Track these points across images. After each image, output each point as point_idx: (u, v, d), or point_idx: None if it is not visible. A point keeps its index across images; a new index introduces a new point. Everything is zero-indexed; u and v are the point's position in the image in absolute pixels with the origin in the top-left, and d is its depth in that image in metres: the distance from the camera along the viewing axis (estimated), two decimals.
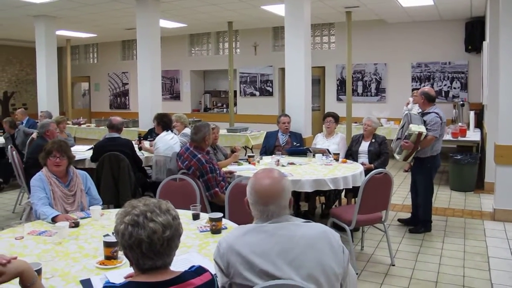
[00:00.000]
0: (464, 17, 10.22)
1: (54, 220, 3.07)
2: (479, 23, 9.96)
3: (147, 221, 1.59)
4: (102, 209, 3.49)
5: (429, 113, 5.17)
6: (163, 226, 1.61)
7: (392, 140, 8.81)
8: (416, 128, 4.94)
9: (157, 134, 6.21)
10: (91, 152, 5.89)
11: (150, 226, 1.59)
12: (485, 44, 8.26)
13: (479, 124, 9.25)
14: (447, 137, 7.62)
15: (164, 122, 6.13)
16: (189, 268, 1.71)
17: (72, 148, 6.30)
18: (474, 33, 10.07)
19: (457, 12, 9.68)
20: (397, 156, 5.25)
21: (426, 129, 5.02)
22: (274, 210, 1.93)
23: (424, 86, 10.80)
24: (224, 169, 4.90)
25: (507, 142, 5.72)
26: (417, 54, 10.89)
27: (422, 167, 5.30)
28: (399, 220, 5.69)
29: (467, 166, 7.33)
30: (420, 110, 5.46)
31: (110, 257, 2.38)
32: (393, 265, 4.39)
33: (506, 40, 5.67)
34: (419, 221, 5.40)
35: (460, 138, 7.88)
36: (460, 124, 8.48)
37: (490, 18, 7.24)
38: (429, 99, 5.28)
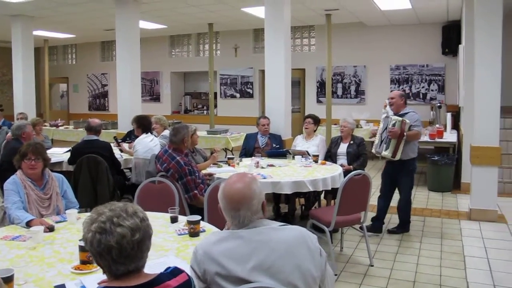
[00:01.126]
0: (441, 21, 10.40)
1: (28, 224, 3.01)
2: (455, 27, 10.14)
3: (115, 227, 1.56)
4: (80, 212, 3.44)
5: (407, 113, 5.21)
6: (132, 229, 1.58)
7: (372, 142, 8.87)
8: (398, 118, 5.05)
9: (136, 136, 6.17)
10: (68, 154, 5.82)
11: (118, 231, 1.55)
12: (461, 47, 8.40)
13: (455, 125, 9.40)
14: (425, 138, 7.74)
15: (143, 125, 6.09)
16: (165, 270, 1.69)
17: (49, 151, 6.23)
18: (450, 36, 10.25)
19: (434, 16, 9.84)
20: (385, 153, 5.14)
21: (410, 126, 5.10)
22: (245, 215, 1.90)
23: (402, 88, 10.97)
24: (203, 171, 4.88)
25: (482, 143, 5.82)
26: (396, 56, 11.03)
27: (405, 169, 5.27)
28: (389, 231, 5.45)
29: (444, 167, 7.44)
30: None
31: (86, 262, 2.35)
32: (372, 266, 4.43)
33: (480, 44, 5.78)
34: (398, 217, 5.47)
35: (437, 140, 7.99)
36: (437, 125, 8.61)
37: (466, 22, 7.37)
38: (405, 101, 5.37)
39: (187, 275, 1.71)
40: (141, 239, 1.60)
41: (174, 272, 1.68)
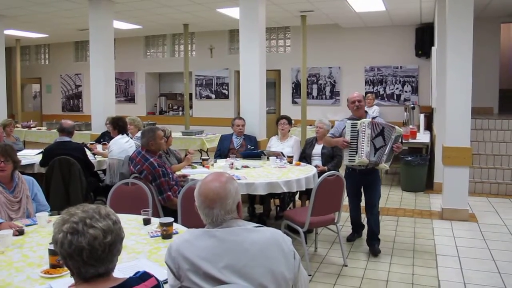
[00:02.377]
0: (415, 23, 10.56)
1: None
2: (428, 29, 10.31)
3: (87, 228, 1.55)
4: (51, 215, 3.38)
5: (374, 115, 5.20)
6: (104, 231, 1.56)
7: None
8: (399, 129, 4.67)
9: (111, 137, 6.10)
10: (40, 156, 5.72)
11: (90, 233, 1.54)
12: (433, 49, 8.55)
13: (429, 126, 9.55)
14: None
15: (119, 126, 6.02)
16: (134, 274, 1.68)
17: (21, 152, 6.15)
18: (424, 38, 10.42)
19: (408, 18, 9.99)
20: (385, 166, 4.68)
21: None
22: (219, 214, 1.91)
23: (376, 89, 11.10)
24: (177, 173, 4.85)
25: (454, 144, 5.93)
26: (370, 58, 11.16)
27: (378, 177, 4.92)
28: (348, 239, 5.19)
29: (417, 167, 7.56)
30: (377, 114, 5.35)
31: (56, 266, 2.31)
32: (346, 266, 4.46)
33: (452, 46, 5.89)
34: (373, 234, 4.88)
35: (410, 140, 8.10)
36: (410, 126, 8.74)
37: (438, 24, 7.50)
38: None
39: (156, 279, 1.69)
40: (113, 242, 1.59)
41: (143, 277, 1.67)
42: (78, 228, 1.54)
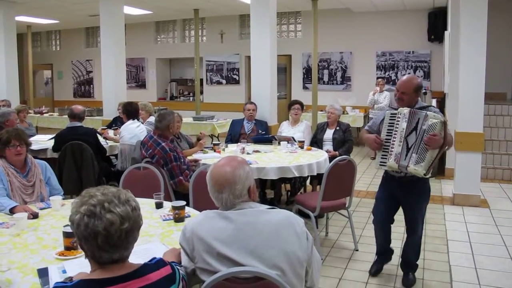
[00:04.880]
0: (427, 7, 10.41)
1: (12, 211, 3.00)
2: (441, 13, 10.17)
3: (105, 212, 1.51)
4: (64, 199, 3.43)
5: (428, 107, 3.51)
6: (121, 217, 1.52)
7: (358, 128, 8.75)
8: (436, 115, 3.30)
9: (122, 123, 6.12)
10: (52, 141, 5.76)
11: (107, 217, 1.50)
12: (446, 33, 8.43)
13: (441, 111, 9.43)
14: None
15: (129, 111, 6.03)
16: (150, 261, 1.66)
17: (34, 138, 6.20)
18: (436, 23, 10.29)
19: (420, 2, 9.85)
20: (416, 168, 3.30)
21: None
22: (228, 198, 1.92)
23: (388, 74, 10.99)
24: (189, 158, 4.87)
25: (466, 129, 5.88)
26: (382, 43, 11.05)
27: (422, 189, 3.64)
28: (371, 273, 3.97)
29: None
30: (388, 100, 3.79)
31: (70, 248, 2.35)
32: (357, 250, 4.48)
33: (466, 30, 5.81)
34: (408, 263, 3.82)
35: None
36: None
37: (452, 9, 7.40)
38: (417, 90, 3.52)
39: (172, 268, 1.68)
40: (130, 229, 1.55)
41: (158, 264, 1.65)
42: (96, 211, 1.51)
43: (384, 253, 4.00)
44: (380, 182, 3.84)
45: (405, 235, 3.85)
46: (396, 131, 3.43)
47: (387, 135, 3.49)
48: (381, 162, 3.53)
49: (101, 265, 1.55)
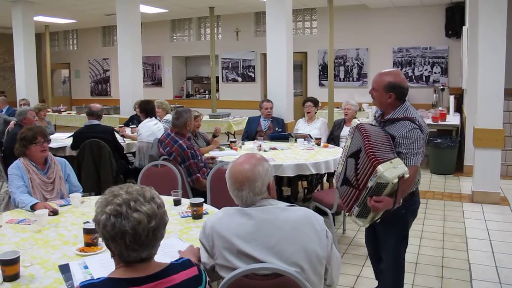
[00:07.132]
0: (445, 3, 10.28)
1: (33, 208, 3.04)
2: (459, 9, 10.03)
3: (131, 211, 1.49)
4: (83, 196, 3.46)
5: (399, 120, 2.75)
6: (148, 216, 1.51)
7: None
8: (391, 172, 2.44)
9: (139, 121, 6.17)
10: (71, 139, 5.83)
11: (134, 217, 1.48)
12: (464, 29, 8.33)
13: (458, 108, 9.36)
14: (428, 121, 7.71)
15: (146, 109, 6.07)
16: (176, 260, 1.65)
17: (52, 136, 6.27)
18: (454, 18, 10.16)
19: None
20: (357, 221, 2.70)
21: (401, 154, 2.65)
22: (248, 196, 1.92)
23: (405, 71, 10.87)
24: (206, 155, 4.89)
25: (485, 126, 5.80)
26: (399, 39, 10.95)
27: (392, 220, 2.74)
28: None
29: (447, 150, 7.43)
30: (378, 113, 2.94)
31: (90, 244, 2.37)
32: None
33: (485, 25, 5.72)
34: None
35: (440, 122, 7.97)
36: (440, 108, 8.58)
37: (470, 4, 7.30)
38: (400, 96, 2.79)
39: (198, 269, 1.65)
40: (157, 227, 1.54)
41: (184, 264, 1.63)
42: (122, 211, 1.49)
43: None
44: None
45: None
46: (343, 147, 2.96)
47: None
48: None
49: (128, 263, 1.53)
